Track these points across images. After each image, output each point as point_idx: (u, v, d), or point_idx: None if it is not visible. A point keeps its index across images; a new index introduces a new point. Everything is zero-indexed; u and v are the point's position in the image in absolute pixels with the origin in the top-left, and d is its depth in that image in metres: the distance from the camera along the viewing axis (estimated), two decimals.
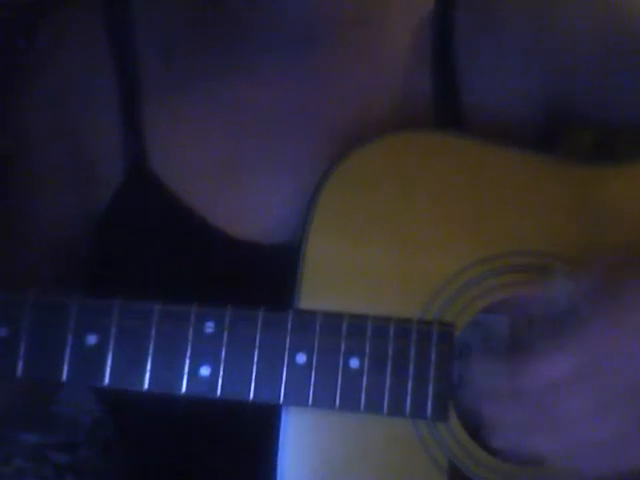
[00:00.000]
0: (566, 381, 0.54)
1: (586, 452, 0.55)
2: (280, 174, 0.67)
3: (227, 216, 0.67)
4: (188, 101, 0.68)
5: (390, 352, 0.58)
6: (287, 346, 0.58)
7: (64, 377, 0.57)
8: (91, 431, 0.90)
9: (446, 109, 0.68)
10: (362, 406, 0.58)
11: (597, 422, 0.54)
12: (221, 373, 0.57)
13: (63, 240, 0.72)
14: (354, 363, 0.58)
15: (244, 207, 0.67)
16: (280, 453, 0.59)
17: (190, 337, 0.57)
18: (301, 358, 0.58)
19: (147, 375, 0.57)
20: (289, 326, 0.58)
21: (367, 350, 0.58)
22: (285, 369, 0.58)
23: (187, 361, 0.57)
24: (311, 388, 0.58)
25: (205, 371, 0.57)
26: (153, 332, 0.57)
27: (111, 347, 0.57)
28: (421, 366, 0.58)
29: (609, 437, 0.54)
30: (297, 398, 0.58)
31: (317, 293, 0.60)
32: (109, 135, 0.69)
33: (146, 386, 0.57)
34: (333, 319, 0.58)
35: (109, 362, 0.57)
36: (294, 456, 0.59)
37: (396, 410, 0.58)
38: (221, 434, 0.68)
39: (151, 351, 0.57)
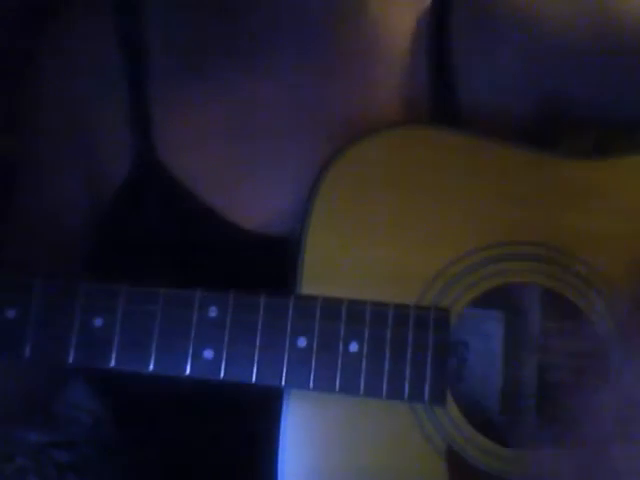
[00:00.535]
0: None
1: None
2: (281, 167, 0.69)
3: (231, 207, 0.68)
4: (194, 97, 0.70)
5: (388, 337, 0.59)
6: (288, 330, 0.59)
7: (71, 359, 0.58)
8: (91, 431, 0.90)
9: (443, 106, 0.69)
10: (361, 389, 0.59)
11: None
12: (224, 356, 0.58)
13: (70, 232, 0.73)
14: (353, 347, 0.59)
15: (248, 198, 0.68)
16: (281, 443, 0.60)
17: (194, 321, 0.59)
18: (302, 342, 0.59)
19: (152, 357, 0.58)
20: (290, 311, 0.59)
21: (366, 334, 0.59)
22: (286, 352, 0.59)
23: (191, 344, 0.58)
24: (312, 371, 0.59)
25: (208, 354, 0.58)
26: (158, 315, 0.58)
27: (117, 330, 0.58)
28: (418, 351, 0.59)
29: None
30: (298, 381, 0.59)
31: (317, 283, 0.61)
32: (117, 129, 0.70)
33: (151, 368, 0.58)
34: (333, 304, 0.60)
35: (115, 344, 0.58)
36: (294, 445, 0.60)
37: (395, 394, 0.59)
38: (221, 432, 0.69)
39: (156, 334, 0.58)
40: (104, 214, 0.71)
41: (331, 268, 0.61)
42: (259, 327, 0.59)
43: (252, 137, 0.69)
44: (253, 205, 0.68)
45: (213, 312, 0.59)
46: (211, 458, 0.71)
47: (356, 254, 0.61)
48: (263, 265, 0.66)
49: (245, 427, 0.67)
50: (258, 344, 0.59)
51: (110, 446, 0.89)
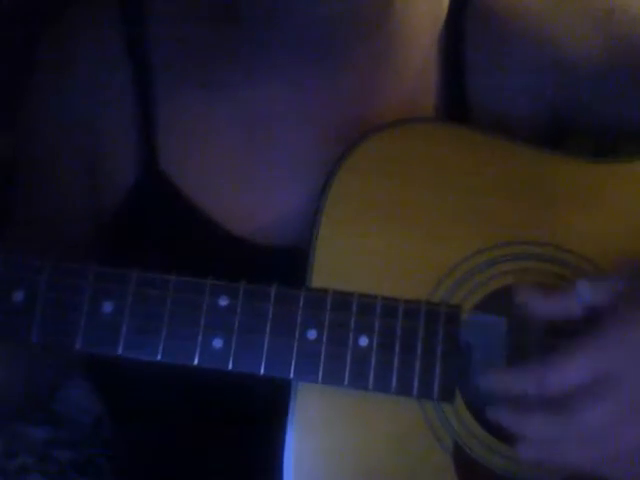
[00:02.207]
0: (589, 388, 0.54)
1: (614, 462, 0.55)
2: (284, 175, 0.68)
3: (233, 216, 0.68)
4: (198, 104, 0.69)
5: (398, 331, 0.59)
6: (298, 322, 0.59)
7: (78, 345, 0.57)
8: (91, 430, 0.90)
9: (454, 109, 0.69)
10: (370, 384, 0.59)
11: (623, 431, 0.54)
12: (233, 346, 0.58)
13: (71, 238, 0.73)
14: (363, 341, 0.59)
15: (251, 207, 0.68)
16: (287, 441, 0.59)
17: (204, 309, 0.58)
18: (312, 334, 0.59)
19: (161, 345, 0.58)
20: (301, 302, 0.59)
21: (376, 329, 0.59)
22: (296, 344, 0.58)
23: (200, 332, 0.58)
24: (321, 364, 0.58)
25: (218, 343, 0.58)
26: (168, 303, 0.58)
27: (126, 315, 0.58)
28: (428, 346, 0.59)
29: (636, 445, 0.54)
30: (307, 374, 0.58)
31: (328, 278, 0.61)
32: (122, 135, 0.70)
33: (159, 356, 0.58)
34: (343, 297, 0.59)
35: (124, 330, 0.58)
36: (301, 442, 0.60)
37: (404, 389, 0.59)
38: (223, 433, 0.69)
39: (165, 321, 0.58)
40: (106, 222, 0.71)
41: (342, 264, 0.61)
42: (269, 318, 0.58)
43: (255, 144, 0.69)
44: (256, 214, 0.68)
45: (224, 301, 0.58)
46: (212, 459, 0.71)
47: (368, 250, 0.61)
48: (267, 275, 0.66)
49: (248, 427, 0.67)
50: (268, 335, 0.58)
51: (110, 446, 0.89)
